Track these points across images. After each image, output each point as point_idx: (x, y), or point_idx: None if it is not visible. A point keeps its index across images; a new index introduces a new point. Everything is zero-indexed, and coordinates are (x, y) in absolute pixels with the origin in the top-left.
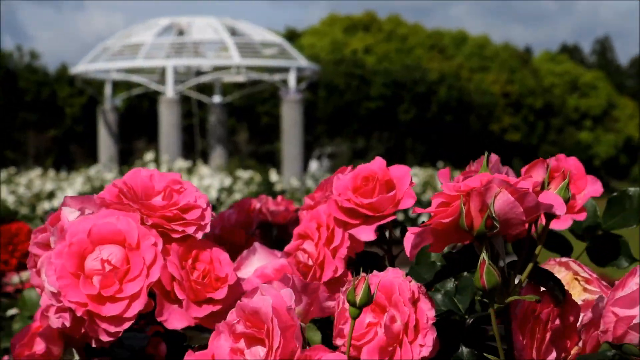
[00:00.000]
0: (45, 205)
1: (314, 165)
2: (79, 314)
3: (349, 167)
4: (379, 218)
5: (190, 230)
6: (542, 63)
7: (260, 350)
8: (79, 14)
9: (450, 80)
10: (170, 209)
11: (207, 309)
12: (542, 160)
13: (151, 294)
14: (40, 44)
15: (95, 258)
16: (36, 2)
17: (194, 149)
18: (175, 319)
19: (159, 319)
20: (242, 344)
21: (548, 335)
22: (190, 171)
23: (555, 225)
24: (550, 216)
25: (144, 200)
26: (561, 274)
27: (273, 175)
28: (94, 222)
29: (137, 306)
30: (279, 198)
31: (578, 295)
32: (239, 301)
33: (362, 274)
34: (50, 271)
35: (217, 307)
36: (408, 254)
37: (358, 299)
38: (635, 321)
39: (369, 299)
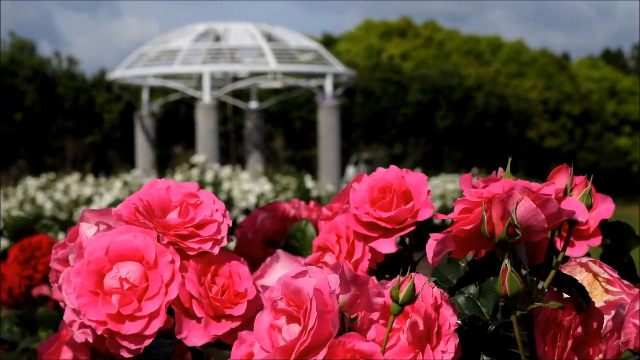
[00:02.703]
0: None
1: (351, 171)
2: (99, 332)
3: (364, 175)
4: (398, 230)
5: (207, 246)
6: (580, 69)
7: (297, 329)
8: (115, 20)
9: (487, 86)
10: (186, 226)
11: (226, 326)
12: (566, 167)
13: (170, 310)
14: (77, 50)
15: (113, 276)
16: (72, 8)
17: (232, 154)
18: (195, 336)
19: (178, 337)
20: (282, 320)
21: (570, 342)
22: (229, 178)
23: (571, 252)
24: (573, 222)
25: (160, 216)
26: (582, 275)
27: (309, 182)
28: (111, 239)
29: (157, 324)
30: (312, 203)
31: (599, 296)
32: (285, 279)
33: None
34: (70, 289)
35: (236, 323)
36: (430, 261)
37: (401, 297)
38: None
39: (412, 298)
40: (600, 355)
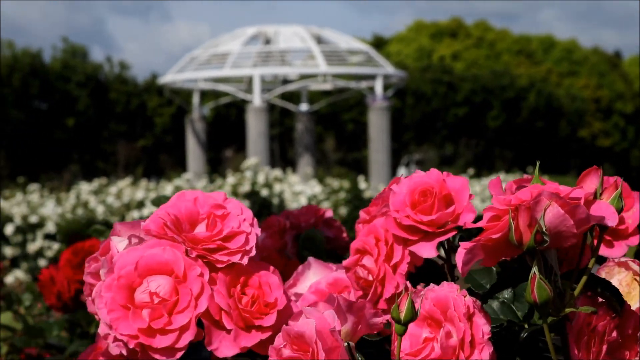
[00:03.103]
0: (135, 215)
1: (402, 172)
2: (131, 346)
3: (402, 177)
4: (439, 234)
5: (235, 258)
6: (632, 67)
7: None
8: (166, 24)
9: (539, 86)
10: (213, 240)
11: (256, 337)
12: (596, 169)
13: (200, 322)
14: (129, 55)
15: (143, 291)
16: (123, 13)
17: (281, 157)
18: (225, 347)
19: (209, 348)
20: None
21: (604, 347)
22: (280, 180)
23: (609, 253)
24: (604, 227)
25: (188, 230)
26: (621, 275)
27: (362, 183)
28: (141, 253)
29: (188, 337)
30: (304, 208)
31: (639, 296)
32: (284, 325)
33: (405, 292)
34: (101, 304)
35: (267, 334)
36: (460, 270)
37: (402, 316)
38: None
39: (412, 316)
40: (637, 358)
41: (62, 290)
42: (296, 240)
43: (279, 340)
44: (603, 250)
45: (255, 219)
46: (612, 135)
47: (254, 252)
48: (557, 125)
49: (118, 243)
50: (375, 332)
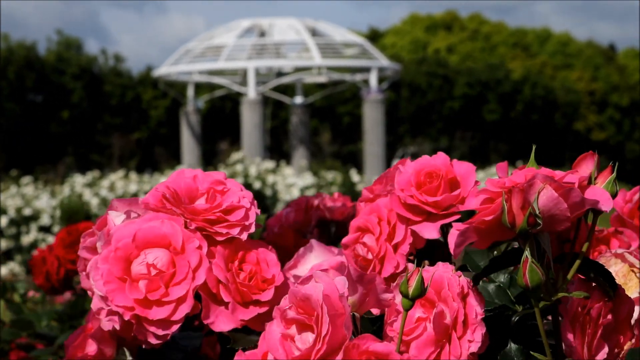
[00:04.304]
0: None
1: None
2: (126, 318)
3: (408, 160)
4: (443, 216)
5: (235, 231)
6: (628, 60)
7: (310, 337)
8: (161, 17)
9: (534, 79)
10: (213, 211)
11: (253, 311)
12: (592, 154)
13: (198, 296)
14: (123, 48)
15: (141, 262)
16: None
17: (276, 150)
18: (222, 322)
19: (205, 322)
20: (293, 330)
21: (599, 331)
22: (274, 172)
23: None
24: (598, 212)
25: (187, 203)
26: (617, 266)
27: (354, 176)
28: (139, 226)
29: (184, 309)
30: (336, 194)
31: (635, 287)
32: (292, 287)
33: (416, 267)
34: (97, 276)
35: (264, 309)
36: (452, 252)
37: (411, 291)
38: None
39: (421, 291)
40: (630, 342)
41: (50, 271)
42: (321, 226)
43: (284, 301)
44: None
45: (255, 201)
46: (607, 128)
47: (253, 229)
48: (552, 118)
49: (115, 217)
50: (383, 308)
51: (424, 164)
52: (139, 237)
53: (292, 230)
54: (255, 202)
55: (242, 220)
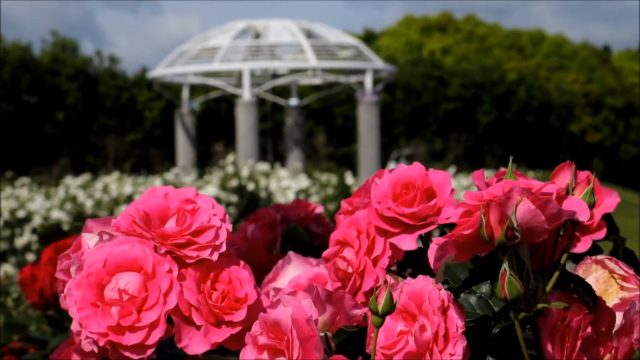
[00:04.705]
0: (123, 209)
1: (391, 167)
2: (101, 344)
3: (386, 170)
4: (420, 227)
5: (205, 253)
6: (622, 62)
7: None
8: (156, 18)
9: (529, 81)
10: (183, 234)
11: (226, 332)
12: (569, 164)
13: (171, 319)
14: (119, 49)
15: (112, 288)
16: (114, 7)
17: (272, 151)
18: (196, 344)
19: (178, 345)
20: (265, 355)
21: (579, 343)
22: (267, 174)
23: (575, 249)
24: (576, 222)
25: (158, 225)
26: (597, 273)
27: (349, 178)
28: (110, 250)
29: (157, 334)
30: (294, 202)
31: (615, 293)
32: (261, 313)
33: (385, 284)
34: (72, 302)
35: (237, 329)
36: (432, 266)
37: (380, 307)
38: None
39: (390, 308)
40: (609, 355)
41: (44, 287)
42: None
43: (255, 327)
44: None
45: (227, 215)
46: (601, 130)
47: (224, 248)
48: (547, 120)
49: (89, 240)
50: (354, 324)
51: (400, 175)
52: (110, 262)
53: (263, 246)
54: (227, 217)
55: (212, 240)
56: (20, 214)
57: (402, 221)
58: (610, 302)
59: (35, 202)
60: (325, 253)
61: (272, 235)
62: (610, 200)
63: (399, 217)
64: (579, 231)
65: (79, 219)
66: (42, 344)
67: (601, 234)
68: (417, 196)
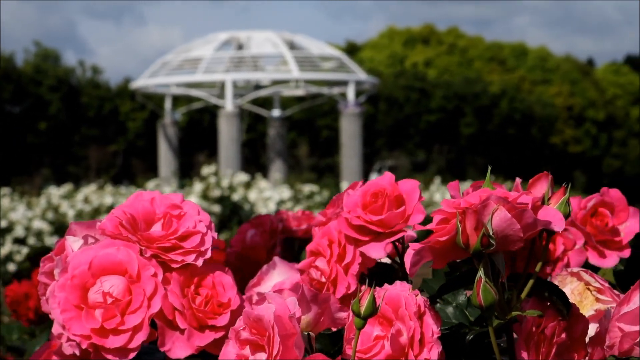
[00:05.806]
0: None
1: (374, 177)
2: (83, 346)
3: (360, 183)
4: (389, 235)
5: (190, 258)
6: (605, 75)
7: (262, 357)
8: (139, 29)
9: (511, 93)
10: (169, 239)
11: (210, 336)
12: (546, 174)
13: (154, 323)
14: (101, 59)
15: (97, 291)
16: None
17: (254, 162)
18: (179, 348)
19: (161, 349)
20: (247, 350)
21: (553, 349)
22: (249, 185)
23: (600, 262)
24: (551, 232)
25: (144, 229)
26: (573, 285)
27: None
28: (95, 253)
29: (140, 337)
30: (299, 212)
31: (590, 305)
32: (245, 308)
33: (368, 287)
34: (55, 304)
35: (220, 334)
36: (408, 271)
37: (362, 310)
38: None
39: (373, 310)
40: None
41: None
42: (285, 243)
43: (239, 322)
44: (595, 260)
45: (213, 223)
46: (583, 142)
47: (209, 254)
48: (529, 132)
49: (73, 243)
50: (338, 327)
51: (371, 185)
52: (95, 264)
53: (263, 247)
54: (213, 224)
55: (197, 246)
56: (2, 223)
57: (371, 229)
58: (586, 313)
59: (17, 211)
60: (299, 265)
61: (272, 242)
62: (637, 219)
63: (368, 225)
64: (607, 247)
65: (61, 230)
66: (20, 352)
67: (627, 252)
68: (385, 204)
